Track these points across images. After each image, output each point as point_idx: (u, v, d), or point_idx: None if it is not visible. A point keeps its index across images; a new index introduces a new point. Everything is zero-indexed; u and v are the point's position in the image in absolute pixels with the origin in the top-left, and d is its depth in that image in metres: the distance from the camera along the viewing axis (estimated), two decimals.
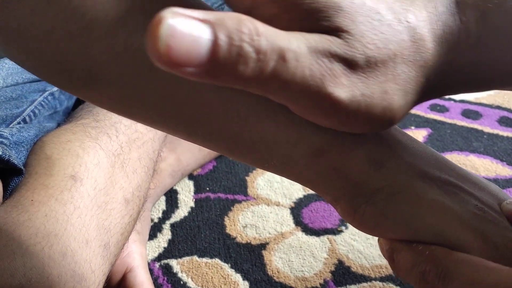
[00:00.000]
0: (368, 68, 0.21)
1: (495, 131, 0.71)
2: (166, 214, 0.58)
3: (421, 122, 0.73)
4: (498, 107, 0.77)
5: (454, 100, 0.78)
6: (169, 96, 0.24)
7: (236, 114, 0.24)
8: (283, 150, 0.25)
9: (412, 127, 0.72)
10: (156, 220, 0.58)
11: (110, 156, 0.44)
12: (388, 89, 0.22)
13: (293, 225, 0.56)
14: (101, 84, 0.24)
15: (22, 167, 0.41)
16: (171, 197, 0.61)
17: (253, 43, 0.18)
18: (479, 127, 0.72)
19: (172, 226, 0.57)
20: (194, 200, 0.60)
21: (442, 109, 0.76)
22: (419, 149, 0.26)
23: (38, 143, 0.45)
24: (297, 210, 0.58)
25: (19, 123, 0.48)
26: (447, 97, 0.78)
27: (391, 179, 0.24)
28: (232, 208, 0.59)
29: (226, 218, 0.57)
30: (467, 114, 0.75)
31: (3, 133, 0.43)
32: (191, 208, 0.59)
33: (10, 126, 0.47)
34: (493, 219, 0.24)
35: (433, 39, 0.23)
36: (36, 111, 0.51)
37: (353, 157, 0.24)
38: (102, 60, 0.23)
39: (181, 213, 0.59)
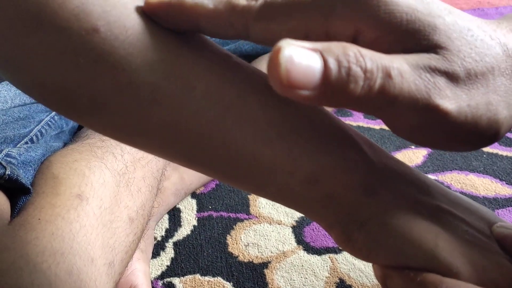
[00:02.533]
0: (469, 81, 0.22)
1: (495, 151, 0.72)
2: (169, 233, 0.59)
3: None
4: None
5: None
6: (169, 126, 0.25)
7: (234, 142, 0.25)
8: (279, 178, 0.25)
9: (413, 146, 0.73)
10: (159, 239, 0.58)
11: (116, 175, 0.45)
12: (492, 100, 0.22)
13: (295, 244, 0.56)
14: (105, 113, 0.25)
15: (30, 186, 0.42)
16: (174, 215, 0.62)
17: (359, 63, 0.19)
18: None
19: (175, 244, 0.57)
20: (196, 218, 0.61)
21: None
22: (412, 176, 0.27)
23: (45, 162, 0.45)
24: (298, 228, 0.58)
25: (26, 142, 0.49)
26: None
27: (383, 207, 0.25)
28: (234, 226, 0.59)
29: (228, 237, 0.58)
30: None
31: (11, 153, 0.44)
32: (194, 226, 0.60)
33: (18, 146, 0.48)
34: (483, 244, 0.25)
35: None
36: (43, 131, 0.52)
37: (346, 184, 0.25)
38: (106, 91, 0.25)
39: (184, 231, 0.59)
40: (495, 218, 0.27)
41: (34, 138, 0.50)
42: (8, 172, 0.40)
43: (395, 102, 0.20)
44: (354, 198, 0.25)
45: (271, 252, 0.55)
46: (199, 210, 0.62)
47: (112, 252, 0.40)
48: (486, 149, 0.72)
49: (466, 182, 0.65)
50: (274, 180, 0.26)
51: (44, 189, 0.42)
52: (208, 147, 0.25)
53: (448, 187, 0.64)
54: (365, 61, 0.19)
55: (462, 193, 0.63)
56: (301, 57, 0.18)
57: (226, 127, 0.25)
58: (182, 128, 0.25)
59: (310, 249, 0.55)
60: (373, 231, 0.25)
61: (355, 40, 0.22)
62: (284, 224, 0.59)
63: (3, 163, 0.41)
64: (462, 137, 0.22)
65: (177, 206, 0.63)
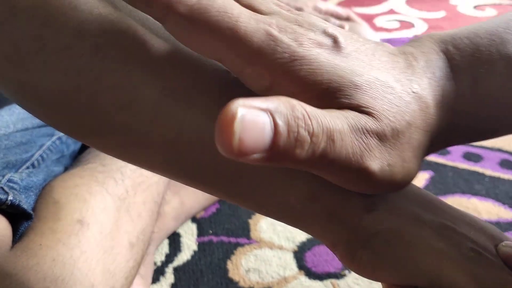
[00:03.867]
0: (393, 140, 0.23)
1: (497, 174, 0.71)
2: (169, 258, 0.59)
3: (423, 165, 0.74)
4: (499, 150, 0.77)
5: None
6: (171, 143, 0.25)
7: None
8: (279, 196, 0.25)
9: None
10: (159, 264, 0.58)
11: (116, 200, 0.45)
12: (406, 157, 0.23)
13: (296, 269, 0.56)
14: (107, 132, 0.25)
15: (32, 212, 0.42)
16: (174, 240, 0.61)
17: (307, 127, 0.19)
18: (481, 170, 0.72)
19: (175, 270, 0.57)
20: (197, 243, 0.61)
21: (444, 152, 0.77)
22: (412, 193, 0.27)
23: (46, 187, 0.46)
24: (300, 253, 0.58)
25: (28, 167, 0.49)
26: None
27: (386, 224, 0.25)
28: (234, 251, 0.59)
29: (229, 262, 0.57)
30: (468, 156, 0.76)
31: (13, 178, 0.44)
32: (194, 251, 0.59)
33: (20, 170, 0.48)
34: (488, 261, 0.25)
35: (435, 104, 0.24)
36: (44, 156, 0.53)
37: (346, 201, 0.25)
38: (108, 110, 0.25)
39: (184, 256, 0.59)
40: (501, 235, 0.27)
41: (36, 163, 0.50)
42: (10, 197, 0.40)
43: (331, 164, 0.21)
44: (355, 215, 0.25)
45: (272, 278, 0.55)
46: (199, 234, 0.62)
47: (112, 278, 0.40)
48: (488, 172, 0.72)
49: (469, 206, 0.65)
50: (275, 197, 0.26)
51: (45, 214, 0.42)
52: (210, 164, 0.25)
53: None
54: (312, 124, 0.19)
55: None
56: (254, 122, 0.18)
57: None
58: (184, 145, 0.25)
59: (312, 274, 0.55)
60: (377, 249, 0.25)
61: (269, 92, 0.22)
62: (285, 249, 0.59)
63: (6, 188, 0.41)
64: (380, 189, 0.24)
65: (177, 230, 0.63)
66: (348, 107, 0.22)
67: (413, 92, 0.24)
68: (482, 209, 0.64)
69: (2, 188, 0.42)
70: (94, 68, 0.24)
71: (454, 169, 0.73)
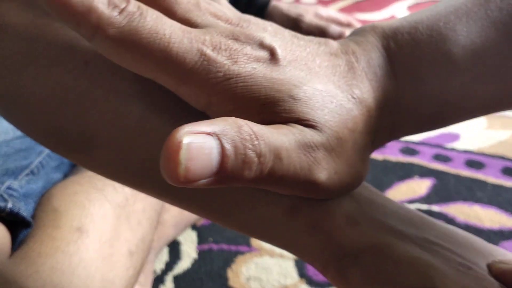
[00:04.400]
0: (338, 148, 0.23)
1: (499, 181, 0.71)
2: (169, 266, 0.58)
3: (425, 172, 0.74)
4: (502, 157, 0.77)
5: (457, 150, 0.79)
6: (155, 159, 0.25)
7: None
8: (259, 211, 0.25)
9: (416, 177, 0.73)
10: (158, 272, 0.57)
11: (116, 207, 0.45)
12: (352, 163, 0.24)
13: (297, 277, 0.55)
14: (93, 147, 0.25)
15: (31, 220, 0.42)
16: (174, 248, 0.61)
17: (254, 148, 0.19)
18: (483, 177, 0.72)
19: (175, 278, 0.56)
20: (197, 251, 0.60)
21: (446, 159, 0.77)
22: (392, 208, 0.26)
23: (45, 195, 0.45)
24: (301, 262, 0.58)
25: (27, 174, 0.49)
26: (450, 147, 0.79)
27: (372, 239, 0.25)
28: (235, 259, 0.58)
29: (229, 270, 0.57)
30: (470, 164, 0.76)
31: (13, 185, 0.44)
32: (194, 259, 0.59)
33: (19, 177, 0.48)
34: (479, 275, 0.24)
35: (377, 106, 0.25)
36: (44, 162, 0.52)
37: (328, 213, 0.25)
38: (95, 125, 0.25)
39: (184, 264, 0.58)
40: (492, 251, 0.26)
41: (35, 169, 0.50)
42: (9, 205, 0.40)
43: (280, 180, 0.21)
44: (339, 228, 0.25)
45: (273, 286, 0.54)
46: (199, 242, 0.62)
47: (111, 287, 0.40)
48: (491, 180, 0.71)
49: (471, 214, 0.64)
50: (255, 213, 0.25)
51: (44, 222, 0.42)
52: None
53: (453, 219, 0.64)
54: (260, 144, 0.19)
55: (466, 225, 0.62)
56: (200, 150, 0.17)
57: None
58: None
59: (313, 283, 0.54)
60: (366, 266, 0.24)
61: (208, 107, 0.22)
62: (286, 257, 0.58)
63: (5, 196, 0.41)
64: (332, 194, 0.24)
65: (177, 238, 0.62)
66: (289, 121, 0.22)
67: (354, 98, 0.24)
68: (485, 216, 0.64)
69: (1, 195, 0.42)
70: (81, 84, 0.24)
71: (456, 176, 0.73)
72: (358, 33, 0.26)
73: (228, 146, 0.18)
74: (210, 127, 0.18)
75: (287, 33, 0.25)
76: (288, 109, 0.22)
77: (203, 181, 0.18)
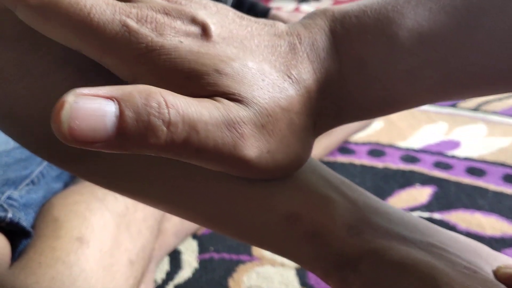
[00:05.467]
0: (270, 126, 0.23)
1: (500, 189, 0.71)
2: (170, 275, 0.58)
3: (426, 180, 0.74)
4: (502, 165, 0.77)
5: (458, 158, 0.79)
6: (149, 163, 0.25)
7: (214, 180, 0.25)
8: (260, 217, 0.25)
9: (417, 185, 0.73)
10: (159, 281, 0.57)
11: (116, 217, 0.45)
12: (289, 143, 0.23)
13: (298, 287, 0.55)
14: (88, 155, 0.25)
15: (31, 229, 0.42)
16: (175, 257, 0.61)
17: (162, 116, 0.19)
18: (484, 185, 0.72)
19: (176, 287, 0.56)
20: (198, 260, 0.60)
21: (447, 167, 0.77)
22: (395, 215, 0.26)
23: (46, 205, 0.45)
24: (302, 270, 0.57)
25: (27, 184, 0.49)
26: (450, 154, 0.79)
27: (373, 244, 0.24)
28: (236, 268, 0.58)
29: (230, 280, 0.56)
30: (471, 171, 0.76)
31: (13, 195, 0.44)
32: (195, 268, 0.59)
33: (19, 187, 0.47)
34: (485, 278, 0.24)
35: (318, 88, 0.24)
36: (44, 172, 0.52)
37: (328, 222, 0.25)
38: None
39: (184, 274, 0.58)
40: (496, 257, 0.26)
41: (35, 179, 0.50)
42: (9, 215, 0.40)
43: (200, 153, 0.21)
44: (339, 236, 0.25)
45: None
46: (200, 251, 0.61)
47: None
48: (492, 187, 0.71)
49: (472, 222, 0.64)
50: (254, 220, 0.25)
51: (44, 232, 0.41)
52: (185, 187, 0.25)
53: (454, 226, 0.63)
54: (170, 113, 0.19)
55: (468, 232, 0.62)
56: (90, 110, 0.18)
57: (202, 169, 0.25)
58: (163, 169, 0.25)
59: None
60: (368, 272, 0.24)
61: (134, 79, 0.22)
62: (287, 266, 0.58)
63: (5, 205, 0.41)
64: (270, 174, 0.24)
65: (178, 247, 0.62)
66: (213, 95, 0.22)
67: (290, 78, 0.23)
68: (486, 224, 0.64)
69: (1, 205, 0.41)
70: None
71: (457, 184, 0.73)
72: (309, 16, 0.26)
73: (128, 111, 0.18)
74: (110, 92, 0.18)
75: (232, 13, 0.25)
76: (212, 82, 0.22)
77: (101, 144, 0.18)
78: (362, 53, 0.24)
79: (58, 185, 0.52)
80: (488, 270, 0.25)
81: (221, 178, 0.25)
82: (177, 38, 0.22)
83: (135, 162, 0.25)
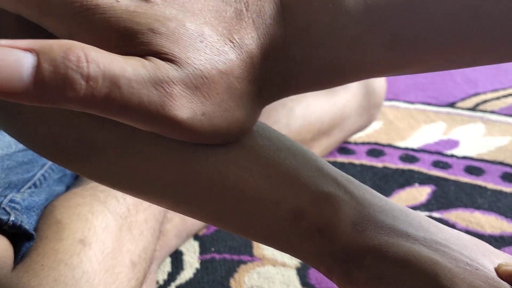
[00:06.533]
0: (205, 88, 0.22)
1: (499, 187, 0.71)
2: (172, 276, 0.58)
3: (425, 179, 0.74)
4: (501, 163, 0.77)
5: (457, 157, 0.79)
6: (150, 159, 0.25)
7: (218, 174, 0.25)
8: (264, 212, 0.25)
9: (416, 184, 0.73)
10: (161, 282, 0.57)
11: (118, 219, 0.45)
12: (227, 107, 0.23)
13: (300, 287, 0.55)
14: (91, 153, 0.25)
15: (33, 232, 0.42)
16: (176, 258, 0.61)
17: (80, 70, 0.19)
18: (483, 184, 0.72)
19: None
20: (199, 261, 0.60)
21: (445, 166, 0.77)
22: (399, 212, 0.27)
23: (48, 207, 0.46)
24: (303, 270, 0.58)
25: (30, 187, 0.49)
26: (449, 153, 0.79)
27: (377, 240, 0.25)
28: (237, 269, 0.58)
29: (232, 280, 0.57)
30: (470, 170, 0.76)
31: (15, 198, 0.44)
32: (197, 269, 0.59)
33: (22, 190, 0.48)
34: (486, 275, 0.24)
35: (262, 54, 0.24)
36: (46, 175, 0.53)
37: (333, 218, 0.25)
38: (89, 129, 0.25)
39: (186, 274, 0.58)
40: (498, 255, 0.27)
41: (38, 182, 0.50)
42: (12, 218, 0.40)
43: (124, 110, 0.21)
44: (345, 233, 0.25)
45: None
46: (201, 252, 0.62)
47: None
48: (490, 186, 0.71)
49: (472, 220, 0.65)
50: (259, 216, 0.25)
51: (47, 234, 0.42)
52: (189, 181, 0.25)
53: (454, 225, 0.64)
54: (89, 67, 0.19)
55: (467, 231, 0.63)
56: (5, 60, 0.18)
57: (208, 162, 0.25)
58: (163, 162, 0.25)
59: None
60: (372, 268, 0.24)
61: (72, 38, 0.22)
62: (288, 266, 0.59)
63: (7, 209, 0.41)
64: (207, 138, 0.23)
65: (179, 248, 0.62)
66: (147, 54, 0.21)
67: (232, 42, 0.23)
68: (485, 222, 0.64)
69: (4, 208, 0.42)
70: None
71: (456, 183, 0.73)
72: None
73: (45, 63, 0.18)
74: (29, 44, 0.18)
75: None
76: (146, 41, 0.21)
77: (19, 95, 0.18)
78: (308, 20, 0.24)
79: (60, 188, 0.52)
80: (490, 267, 0.25)
81: (229, 171, 0.25)
82: None
83: (139, 159, 0.25)
